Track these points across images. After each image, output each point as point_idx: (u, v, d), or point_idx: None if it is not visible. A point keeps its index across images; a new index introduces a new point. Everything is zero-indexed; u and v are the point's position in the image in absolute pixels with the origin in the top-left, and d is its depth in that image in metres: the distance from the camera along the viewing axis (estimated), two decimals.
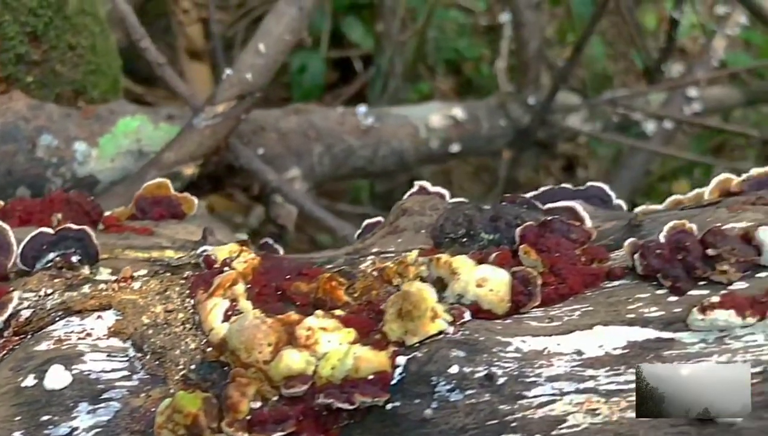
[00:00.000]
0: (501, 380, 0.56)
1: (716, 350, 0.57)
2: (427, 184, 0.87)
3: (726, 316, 0.57)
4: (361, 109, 1.68)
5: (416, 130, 1.78)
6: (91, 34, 1.37)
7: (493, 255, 0.66)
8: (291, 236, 1.52)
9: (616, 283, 0.63)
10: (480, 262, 0.66)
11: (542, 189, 0.93)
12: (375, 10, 2.78)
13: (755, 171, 0.85)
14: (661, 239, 0.64)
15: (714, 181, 0.87)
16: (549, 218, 0.67)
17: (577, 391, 0.56)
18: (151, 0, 2.54)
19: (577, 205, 0.73)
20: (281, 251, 1.03)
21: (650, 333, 0.59)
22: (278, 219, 1.49)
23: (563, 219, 0.67)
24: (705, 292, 0.60)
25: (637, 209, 0.91)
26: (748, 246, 0.60)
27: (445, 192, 0.88)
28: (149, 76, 2.52)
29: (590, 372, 0.57)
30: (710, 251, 0.60)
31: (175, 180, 1.24)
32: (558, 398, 0.56)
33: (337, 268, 0.77)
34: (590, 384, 0.57)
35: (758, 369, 0.56)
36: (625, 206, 0.93)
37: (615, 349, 0.59)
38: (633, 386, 0.57)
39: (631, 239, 0.65)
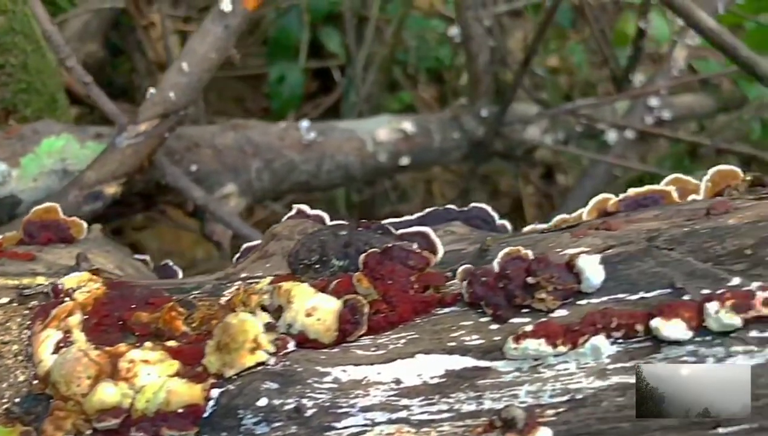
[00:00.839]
0: (310, 412, 0.57)
1: (528, 379, 0.58)
2: (305, 207, 0.88)
3: (536, 345, 0.57)
4: (304, 124, 1.69)
5: (363, 144, 1.78)
6: (22, 52, 1.38)
7: (334, 283, 0.67)
8: (227, 253, 1.53)
9: (446, 310, 0.64)
10: (322, 290, 0.67)
11: (428, 210, 0.94)
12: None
13: (632, 191, 0.86)
14: (495, 265, 0.65)
15: (592, 202, 0.87)
16: (389, 245, 0.67)
17: (389, 421, 0.57)
18: (126, 11, 2.56)
19: (429, 231, 0.73)
20: (180, 274, 1.04)
21: (468, 362, 0.59)
22: (213, 236, 1.50)
23: (403, 246, 0.67)
24: (526, 320, 0.61)
25: (526, 228, 0.92)
26: (569, 274, 0.61)
27: (325, 215, 0.88)
28: (127, 89, 2.54)
29: (405, 402, 0.58)
30: (530, 279, 0.60)
31: (98, 199, 1.25)
32: (369, 428, 0.57)
33: (205, 293, 0.78)
34: (403, 414, 0.57)
35: (565, 398, 0.57)
36: (509, 227, 0.94)
37: (432, 378, 0.59)
38: (446, 415, 0.57)
39: (464, 266, 0.65)
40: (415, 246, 0.73)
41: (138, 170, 1.31)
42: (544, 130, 2.27)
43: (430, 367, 0.59)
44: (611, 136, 2.30)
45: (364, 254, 0.68)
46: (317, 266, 0.72)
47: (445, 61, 3.01)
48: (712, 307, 0.56)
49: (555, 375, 0.57)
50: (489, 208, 0.92)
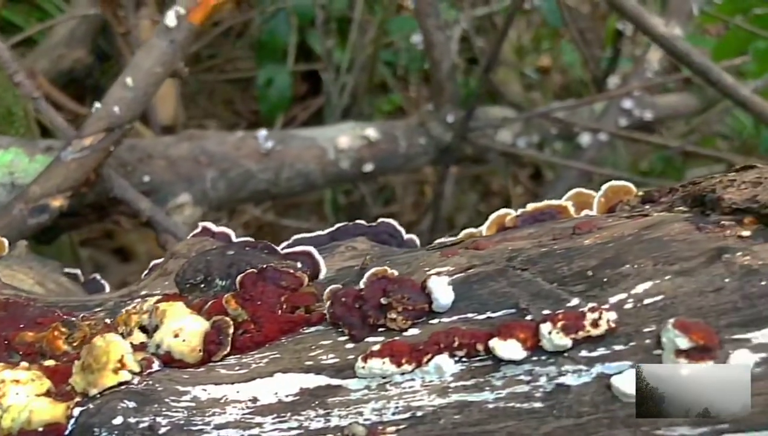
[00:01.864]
0: (163, 430, 0.60)
1: (375, 396, 0.61)
2: (211, 224, 0.91)
3: (381, 364, 0.61)
4: (262, 133, 1.73)
5: (323, 152, 1.82)
6: None
7: (209, 303, 0.70)
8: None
9: (312, 330, 0.67)
10: (198, 310, 0.71)
11: (338, 225, 0.98)
12: (342, 24, 2.83)
13: (530, 206, 0.89)
14: (362, 285, 0.68)
15: (492, 217, 0.90)
16: (264, 266, 0.71)
17: None
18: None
19: (313, 251, 0.76)
20: (107, 288, 1.08)
21: (322, 380, 0.63)
22: (166, 245, 1.54)
23: (277, 267, 0.71)
24: (380, 339, 0.64)
25: (436, 242, 0.95)
26: (421, 295, 0.64)
27: (231, 232, 0.92)
28: None
29: (258, 419, 0.61)
30: (383, 300, 0.64)
31: (43, 212, 1.30)
32: None
33: (106, 311, 0.82)
34: (255, 431, 0.61)
35: (407, 415, 0.60)
36: (417, 241, 0.97)
37: (287, 396, 0.63)
38: (294, 432, 0.61)
39: (332, 286, 0.69)
40: (299, 265, 0.77)
41: (84, 183, 1.35)
42: (518, 133, 2.30)
43: (286, 385, 0.63)
44: (585, 138, 2.33)
45: (240, 275, 0.72)
46: (202, 285, 0.76)
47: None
48: (545, 328, 0.59)
49: (400, 393, 0.61)
50: (396, 224, 0.95)
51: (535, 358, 0.60)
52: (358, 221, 0.97)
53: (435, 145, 2.07)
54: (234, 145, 1.70)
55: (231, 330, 0.66)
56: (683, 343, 0.55)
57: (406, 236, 0.96)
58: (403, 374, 0.61)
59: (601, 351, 0.58)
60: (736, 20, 2.29)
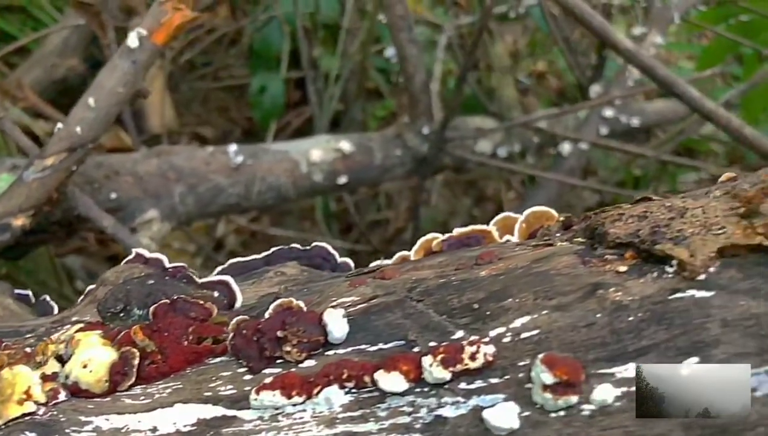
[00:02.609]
0: None
1: (266, 427, 0.64)
2: (144, 251, 0.95)
3: (271, 396, 0.64)
4: (232, 147, 1.76)
5: (296, 165, 1.85)
6: None
7: (121, 333, 0.73)
8: None
9: (217, 360, 0.70)
10: (112, 339, 0.74)
11: (273, 249, 1.00)
12: (333, 31, 2.87)
13: (457, 231, 0.91)
14: (266, 315, 0.71)
15: (420, 241, 0.93)
16: (175, 297, 0.74)
17: None
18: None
19: (230, 280, 0.79)
20: (55, 309, 1.11)
21: (219, 411, 0.66)
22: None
23: (187, 298, 0.74)
24: (278, 370, 0.67)
25: (372, 263, 0.97)
26: (317, 327, 0.67)
27: (164, 258, 0.95)
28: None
29: None
30: (279, 333, 0.67)
31: (5, 231, 1.33)
32: None
33: (36, 338, 0.85)
34: None
35: None
36: (352, 265, 1.00)
37: (185, 426, 0.66)
38: None
39: (237, 317, 0.72)
40: (216, 294, 0.80)
41: (46, 203, 1.38)
42: (499, 142, 2.32)
43: (185, 416, 0.66)
44: (565, 147, 2.35)
45: (154, 305, 0.75)
46: (122, 314, 0.79)
47: (431, 68, 3.06)
48: (426, 361, 0.62)
49: (290, 424, 0.64)
50: (329, 247, 0.98)
51: (418, 390, 0.62)
52: (293, 245, 1.00)
53: (412, 157, 2.10)
54: (204, 160, 1.73)
55: (137, 361, 0.69)
56: (548, 378, 0.57)
57: (340, 260, 0.99)
58: (294, 405, 0.64)
59: (478, 384, 0.61)
60: (719, 28, 2.31)
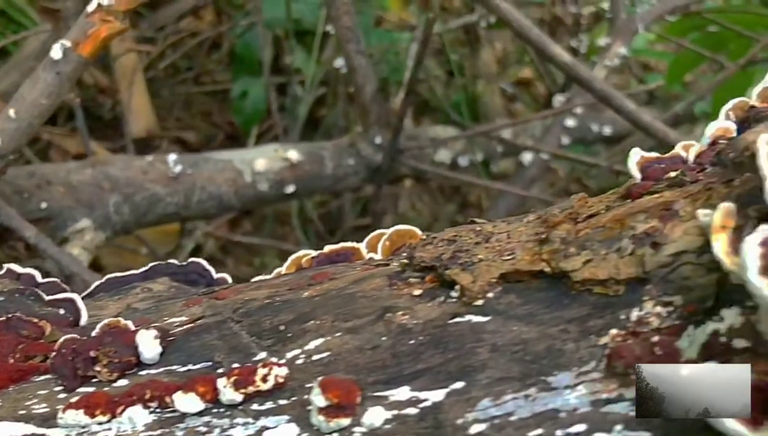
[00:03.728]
0: None
1: None
2: (16, 266, 0.97)
3: (74, 415, 0.66)
4: (171, 156, 1.79)
5: (239, 175, 1.88)
6: None
7: None
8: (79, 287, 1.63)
9: (41, 378, 0.73)
10: None
11: (151, 265, 1.03)
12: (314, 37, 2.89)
13: (327, 248, 0.93)
14: (93, 334, 0.74)
15: (291, 258, 0.95)
16: (9, 315, 0.77)
17: None
18: None
19: (76, 297, 0.82)
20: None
21: (29, 429, 0.68)
22: (66, 270, 1.61)
23: (20, 316, 0.76)
24: (92, 389, 0.70)
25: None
26: (129, 347, 0.70)
27: (37, 274, 0.98)
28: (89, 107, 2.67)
29: None
30: (92, 353, 0.69)
31: None
32: None
33: None
34: None
35: None
36: (229, 280, 1.02)
37: None
38: None
39: (65, 336, 0.74)
40: (62, 312, 0.83)
41: None
42: (460, 151, 2.34)
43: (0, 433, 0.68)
44: (526, 157, 2.37)
45: None
46: None
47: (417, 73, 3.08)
48: (220, 382, 0.64)
49: None
50: (205, 264, 1.01)
51: (215, 410, 0.65)
52: (170, 261, 1.03)
53: (366, 166, 2.12)
54: (141, 169, 1.76)
55: None
56: (321, 401, 0.59)
57: (217, 275, 1.01)
58: (99, 423, 0.66)
59: (268, 405, 0.63)
60: (685, 40, 2.32)
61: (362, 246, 0.93)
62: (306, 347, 0.65)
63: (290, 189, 2.00)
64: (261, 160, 1.93)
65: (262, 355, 0.67)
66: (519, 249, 0.65)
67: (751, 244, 0.49)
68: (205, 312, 0.75)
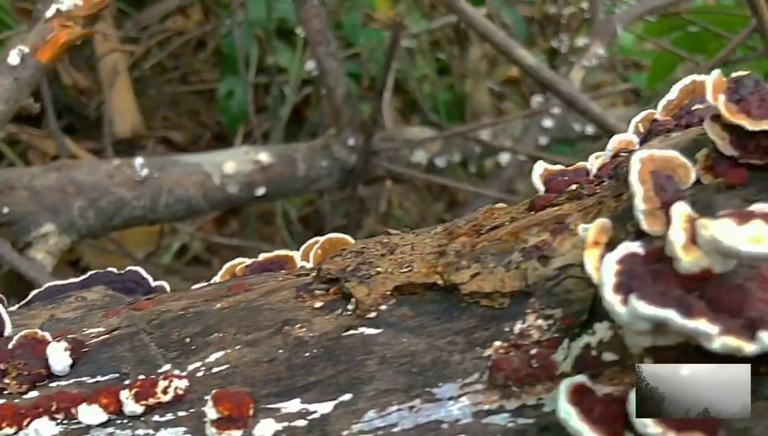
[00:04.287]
0: None
1: None
2: None
3: None
4: (138, 160, 1.81)
5: (207, 178, 1.90)
6: None
7: None
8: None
9: None
10: None
11: (90, 273, 1.05)
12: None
13: (262, 256, 0.95)
14: (9, 346, 0.76)
15: (226, 266, 0.97)
16: None
17: None
18: None
19: (0, 309, 0.84)
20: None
21: None
22: (25, 276, 1.63)
23: None
24: (2, 401, 0.71)
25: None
26: (40, 359, 0.71)
27: None
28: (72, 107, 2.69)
29: None
30: (2, 365, 0.71)
31: None
32: None
33: None
34: None
35: None
36: (168, 288, 1.04)
37: None
38: None
39: None
40: None
41: None
42: (438, 152, 2.35)
43: None
44: (504, 157, 2.38)
45: None
46: None
47: (407, 72, 3.11)
48: (123, 394, 0.66)
49: None
50: (142, 272, 1.02)
51: (118, 421, 0.66)
52: (109, 269, 1.04)
53: (340, 168, 2.14)
54: (107, 173, 1.78)
55: None
56: (212, 413, 0.61)
57: (155, 283, 1.03)
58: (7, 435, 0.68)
59: (168, 417, 0.65)
60: (667, 41, 2.33)
61: (297, 254, 0.94)
62: (207, 360, 0.67)
63: (261, 191, 2.01)
64: (230, 163, 1.94)
65: (167, 367, 0.68)
66: (418, 261, 0.66)
67: (609, 261, 0.50)
68: (122, 323, 0.76)
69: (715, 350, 0.45)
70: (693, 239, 0.47)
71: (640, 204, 0.53)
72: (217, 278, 0.96)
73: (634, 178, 0.53)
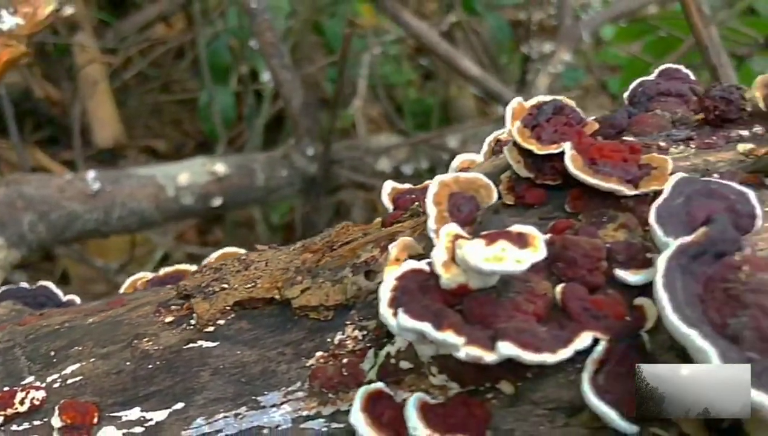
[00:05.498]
0: None
1: None
2: None
3: None
4: (90, 174, 1.87)
5: (161, 190, 1.96)
6: None
7: None
8: None
9: None
10: None
11: (3, 288, 1.11)
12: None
13: (162, 271, 1.01)
14: None
15: (129, 280, 1.03)
16: None
17: None
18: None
19: None
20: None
21: None
22: None
23: None
24: None
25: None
26: None
27: None
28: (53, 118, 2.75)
29: None
30: None
31: None
32: None
33: None
34: None
35: None
36: (78, 301, 1.10)
37: None
38: None
39: None
40: None
41: None
42: (404, 159, 2.40)
43: None
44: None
45: None
46: None
47: (391, 78, 3.17)
48: None
49: None
50: (53, 287, 1.09)
51: None
52: (21, 285, 1.10)
53: (301, 177, 2.20)
54: (59, 187, 1.84)
55: None
56: (57, 422, 0.67)
57: (66, 297, 1.09)
58: None
59: (24, 426, 0.71)
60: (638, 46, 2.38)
61: (190, 269, 1.00)
62: (64, 372, 0.73)
63: (217, 202, 2.07)
64: (185, 175, 2.00)
65: (30, 379, 0.74)
66: (266, 277, 0.72)
67: (389, 277, 0.56)
68: (3, 338, 0.82)
69: (462, 358, 0.50)
70: (454, 258, 0.53)
71: (431, 224, 0.58)
72: (121, 291, 1.01)
73: (429, 200, 0.59)
